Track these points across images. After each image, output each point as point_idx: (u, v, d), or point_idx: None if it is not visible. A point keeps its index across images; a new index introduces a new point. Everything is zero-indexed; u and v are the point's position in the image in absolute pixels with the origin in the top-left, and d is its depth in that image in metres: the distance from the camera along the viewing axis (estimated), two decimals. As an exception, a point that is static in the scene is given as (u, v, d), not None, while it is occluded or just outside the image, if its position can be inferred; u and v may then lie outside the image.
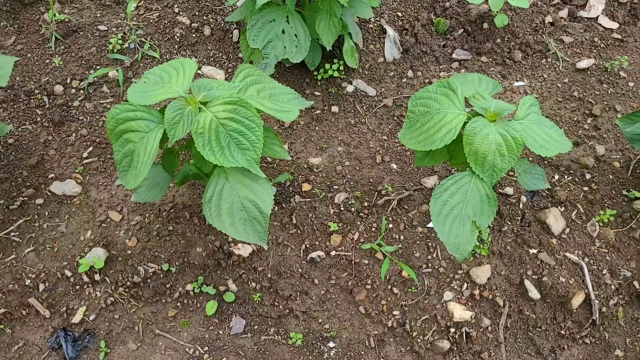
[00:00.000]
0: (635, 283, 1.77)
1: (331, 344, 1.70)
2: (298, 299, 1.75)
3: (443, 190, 1.38)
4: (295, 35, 1.88)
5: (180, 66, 1.44)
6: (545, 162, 2.02)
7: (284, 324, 1.73)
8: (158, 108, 1.45)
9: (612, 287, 1.74)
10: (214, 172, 1.42)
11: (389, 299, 1.73)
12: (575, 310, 1.72)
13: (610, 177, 2.00)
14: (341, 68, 2.17)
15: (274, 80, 1.56)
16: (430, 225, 1.84)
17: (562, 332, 1.71)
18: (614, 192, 1.96)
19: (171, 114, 1.34)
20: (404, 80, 2.25)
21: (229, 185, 1.41)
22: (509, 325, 1.72)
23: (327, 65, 2.16)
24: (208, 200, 1.40)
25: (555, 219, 1.80)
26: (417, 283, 1.72)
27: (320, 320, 1.73)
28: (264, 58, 1.87)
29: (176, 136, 1.34)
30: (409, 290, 1.74)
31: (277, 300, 1.75)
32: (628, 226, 1.87)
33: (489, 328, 1.71)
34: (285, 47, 1.88)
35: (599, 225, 1.83)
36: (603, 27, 2.53)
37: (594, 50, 2.44)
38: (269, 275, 1.76)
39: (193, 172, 1.52)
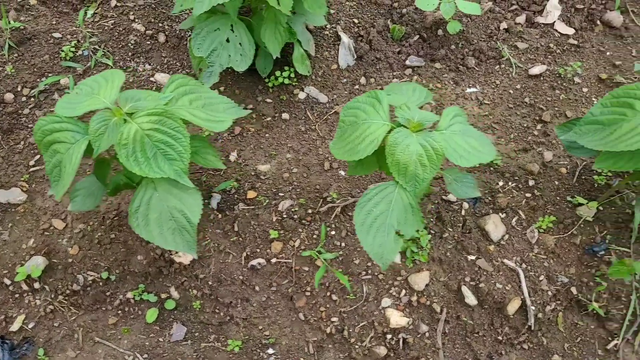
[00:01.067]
0: (573, 289, 1.79)
1: (270, 351, 1.71)
2: (239, 305, 1.76)
3: (367, 199, 1.40)
4: (240, 43, 1.90)
5: (110, 76, 1.46)
6: (492, 168, 2.04)
7: (224, 330, 1.74)
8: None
9: (549, 293, 1.76)
10: (142, 183, 1.43)
11: (328, 305, 1.75)
12: (512, 316, 1.74)
13: (556, 183, 2.02)
14: (292, 75, 2.18)
15: (210, 89, 1.58)
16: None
17: (500, 337, 1.73)
18: (558, 198, 1.98)
19: (96, 126, 1.35)
20: (357, 87, 2.26)
21: (157, 195, 1.43)
22: (447, 331, 1.74)
23: (278, 73, 2.17)
24: (135, 211, 1.41)
25: (494, 226, 1.82)
26: (350, 291, 1.74)
27: (260, 327, 1.75)
28: (208, 66, 1.89)
29: (101, 147, 1.35)
30: (348, 297, 1.76)
31: (217, 307, 1.76)
32: (569, 232, 1.89)
33: (427, 334, 1.73)
34: (230, 55, 1.89)
35: (539, 232, 1.85)
36: (559, 33, 2.55)
37: (549, 57, 2.46)
38: (210, 283, 1.77)
39: (124, 181, 1.53)
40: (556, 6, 2.59)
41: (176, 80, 1.50)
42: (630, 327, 1.77)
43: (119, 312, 1.75)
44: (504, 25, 2.48)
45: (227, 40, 1.89)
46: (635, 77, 2.41)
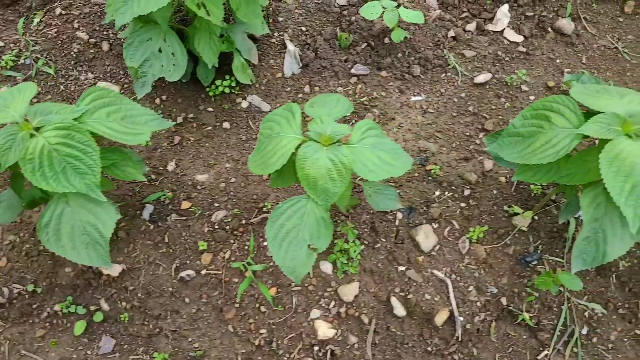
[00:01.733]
0: (504, 299, 1.79)
1: (198, 363, 1.70)
2: (169, 318, 1.75)
3: (279, 213, 1.40)
4: (173, 53, 1.89)
5: (22, 89, 1.45)
6: (430, 177, 2.04)
7: (153, 343, 1.73)
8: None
9: (478, 303, 1.76)
10: (53, 197, 1.42)
11: (257, 317, 1.74)
12: (440, 327, 1.74)
13: (495, 192, 2.02)
14: (233, 84, 2.18)
15: (133, 101, 1.57)
16: (306, 242, 1.85)
17: (429, 348, 1.73)
18: (495, 207, 1.98)
19: (2, 140, 1.34)
20: (300, 95, 2.26)
21: (69, 210, 1.42)
22: (377, 342, 1.74)
23: (218, 82, 2.16)
24: (44, 226, 1.40)
25: (425, 236, 1.82)
26: (272, 304, 1.73)
27: (190, 339, 1.74)
28: (141, 77, 1.88)
29: (8, 162, 1.34)
30: (277, 308, 1.75)
31: (147, 320, 1.75)
32: (503, 242, 1.89)
33: (356, 345, 1.72)
34: (162, 65, 1.88)
35: (470, 242, 1.85)
36: (508, 40, 2.56)
37: (497, 64, 2.47)
38: (140, 295, 1.76)
39: (39, 195, 1.52)
40: (506, 14, 2.60)
41: (93, 93, 1.49)
42: (561, 337, 1.77)
43: (47, 324, 1.73)
44: (451, 33, 2.48)
45: (160, 51, 1.88)
46: (581, 85, 2.42)
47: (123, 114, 1.52)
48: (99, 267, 1.52)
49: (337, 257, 1.76)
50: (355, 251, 1.77)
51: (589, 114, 1.45)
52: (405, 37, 2.42)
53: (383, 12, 2.25)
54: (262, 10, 2.44)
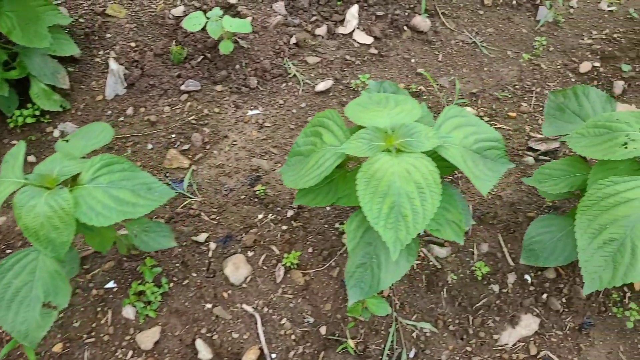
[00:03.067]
0: (323, 329, 1.65)
1: None
2: (-55, 386, 1.55)
3: (5, 270, 1.22)
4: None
5: None
6: (256, 199, 1.89)
7: None
8: None
9: (293, 336, 1.62)
10: None
11: (44, 377, 1.56)
12: (251, 368, 1.58)
13: (328, 209, 1.88)
14: (37, 113, 1.98)
15: None
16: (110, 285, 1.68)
17: (242, 392, 1.58)
18: (327, 225, 1.85)
19: None
20: (122, 119, 2.08)
21: None
22: (184, 391, 1.57)
23: (17, 112, 1.96)
24: None
25: (235, 268, 1.66)
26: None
27: (-29, 408, 1.54)
28: None
29: None
30: (67, 365, 1.57)
31: None
32: (327, 264, 1.75)
33: (158, 397, 1.56)
34: None
35: (286, 269, 1.70)
36: (358, 42, 2.43)
37: (347, 69, 2.34)
38: None
39: None
40: (354, 15, 2.47)
41: None
42: (389, 363, 1.64)
43: None
44: (293, 39, 2.34)
45: None
46: (437, 85, 2.31)
47: None
48: None
49: (131, 301, 1.59)
50: (153, 292, 1.60)
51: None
52: (243, 47, 2.27)
53: (206, 22, 2.09)
54: (83, 28, 2.25)
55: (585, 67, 2.36)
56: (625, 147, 1.24)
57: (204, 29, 2.07)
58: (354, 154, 1.21)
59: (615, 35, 2.56)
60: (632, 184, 1.22)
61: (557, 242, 1.50)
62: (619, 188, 1.22)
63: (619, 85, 2.33)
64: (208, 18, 2.09)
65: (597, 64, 2.38)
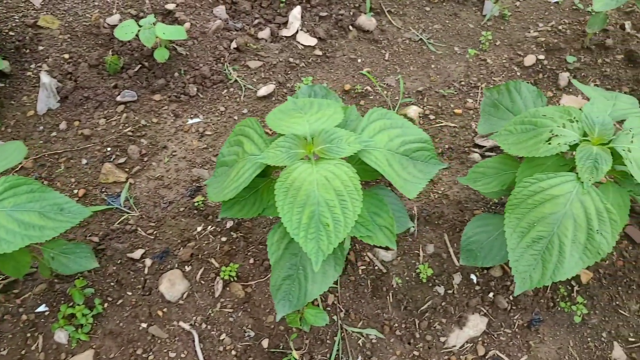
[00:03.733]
0: (265, 342, 1.60)
1: None
2: None
3: None
4: None
5: None
6: (195, 210, 1.83)
7: None
8: None
9: (234, 352, 1.57)
10: None
11: (-30, 411, 1.48)
12: (190, 388, 1.53)
13: (271, 217, 1.83)
14: (-38, 132, 1.89)
15: None
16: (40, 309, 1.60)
17: (182, 413, 1.52)
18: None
19: None
20: (54, 134, 2.00)
21: None
22: (121, 416, 1.51)
23: (-61, 132, 1.88)
24: None
25: (170, 284, 1.61)
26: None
27: None
28: None
29: None
30: (-6, 396, 1.49)
31: None
32: (269, 275, 1.70)
33: None
34: None
35: (224, 282, 1.65)
36: (302, 44, 2.39)
37: (290, 72, 2.29)
38: None
39: None
40: (296, 17, 2.43)
41: None
42: (335, 373, 1.60)
43: None
44: (234, 44, 2.29)
45: None
46: (384, 84, 2.28)
47: None
48: None
49: (61, 325, 1.52)
50: (85, 315, 1.53)
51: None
52: (181, 54, 2.20)
53: (139, 30, 2.02)
54: (14, 41, 2.17)
55: (529, 60, 2.36)
56: (549, 143, 1.22)
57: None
58: (273, 163, 1.17)
59: (560, 27, 2.56)
60: (556, 180, 1.20)
61: (494, 241, 1.48)
62: (543, 185, 1.19)
63: (564, 77, 2.33)
64: (140, 26, 2.02)
65: (542, 57, 2.38)
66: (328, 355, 1.61)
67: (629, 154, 1.20)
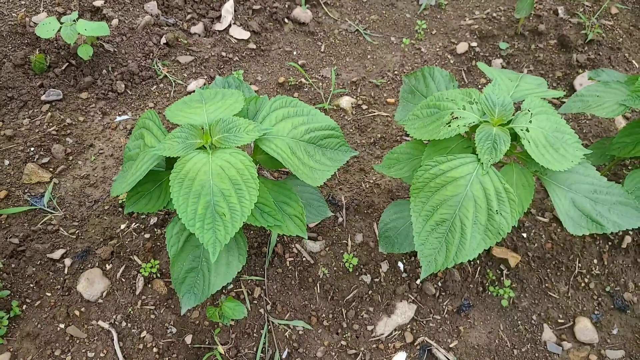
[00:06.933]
0: (188, 338, 1.57)
1: None
2: None
3: None
4: None
5: None
6: (120, 209, 1.80)
7: None
8: None
9: (155, 349, 1.54)
10: None
11: None
12: (110, 388, 1.50)
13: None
14: None
15: None
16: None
17: (104, 414, 1.49)
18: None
19: None
20: (-25, 136, 1.94)
21: None
22: (40, 420, 1.47)
23: None
24: None
25: (89, 283, 1.57)
26: None
27: None
28: None
29: None
30: None
31: None
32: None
33: None
34: None
35: (145, 279, 1.63)
36: (235, 38, 2.37)
37: (224, 66, 2.27)
38: None
39: None
40: (229, 10, 2.40)
41: None
42: (263, 366, 1.59)
43: None
44: (163, 40, 2.25)
45: None
46: (319, 77, 2.27)
47: None
48: None
49: (-26, 331, 1.48)
50: (0, 318, 1.49)
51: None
52: (109, 50, 2.16)
53: (60, 27, 1.97)
54: None
55: (462, 47, 2.38)
56: (449, 126, 1.22)
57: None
58: (168, 154, 1.15)
59: (495, 15, 2.59)
60: (456, 162, 1.20)
61: (410, 226, 1.48)
62: (443, 168, 1.20)
63: (497, 64, 2.35)
64: (62, 23, 1.97)
65: (475, 44, 2.40)
66: (255, 349, 1.60)
67: (527, 134, 1.21)
